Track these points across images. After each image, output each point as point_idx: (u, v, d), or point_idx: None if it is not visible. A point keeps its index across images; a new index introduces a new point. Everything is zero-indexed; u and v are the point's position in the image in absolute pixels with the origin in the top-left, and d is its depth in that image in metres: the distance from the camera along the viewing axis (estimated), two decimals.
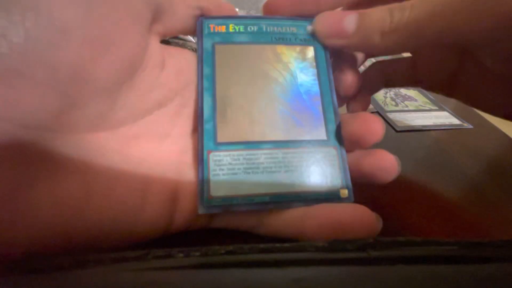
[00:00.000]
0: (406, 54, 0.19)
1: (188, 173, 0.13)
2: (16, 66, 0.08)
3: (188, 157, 0.14)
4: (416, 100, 0.31)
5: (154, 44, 0.13)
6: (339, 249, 0.08)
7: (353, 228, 0.12)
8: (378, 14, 0.13)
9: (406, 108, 0.30)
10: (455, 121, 0.28)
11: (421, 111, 0.29)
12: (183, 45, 0.29)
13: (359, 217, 0.12)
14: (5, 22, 0.08)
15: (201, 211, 0.12)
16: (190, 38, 0.35)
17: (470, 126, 0.27)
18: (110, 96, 0.11)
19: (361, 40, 0.14)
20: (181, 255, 0.08)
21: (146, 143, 0.13)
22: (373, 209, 0.14)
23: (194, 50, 0.15)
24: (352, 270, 0.08)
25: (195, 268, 0.08)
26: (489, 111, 0.17)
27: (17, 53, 0.08)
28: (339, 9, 0.16)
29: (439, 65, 0.17)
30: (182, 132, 0.14)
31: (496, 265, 0.08)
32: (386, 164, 0.13)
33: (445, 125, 0.27)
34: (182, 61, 0.14)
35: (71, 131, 0.10)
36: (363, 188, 0.14)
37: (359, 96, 0.18)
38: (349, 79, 0.15)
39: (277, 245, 0.09)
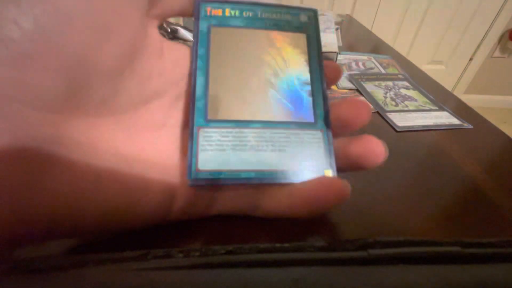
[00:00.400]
0: None
1: (184, 160, 0.14)
2: (27, 51, 0.09)
3: (183, 145, 0.14)
4: (416, 100, 0.31)
5: (153, 30, 0.13)
6: (339, 249, 0.08)
7: (327, 199, 0.13)
8: None
9: (406, 108, 0.30)
10: (455, 121, 0.28)
11: (421, 111, 0.29)
12: (183, 44, 0.29)
13: (330, 187, 0.13)
14: (16, 10, 0.09)
15: (189, 183, 0.13)
16: (190, 37, 0.35)
17: (470, 126, 0.27)
18: (113, 80, 0.12)
19: None
20: (180, 255, 0.08)
21: (145, 131, 0.14)
22: (373, 209, 0.14)
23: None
24: (352, 270, 0.08)
25: (194, 268, 0.08)
26: None
27: (28, 39, 0.09)
28: None
29: None
30: (177, 122, 0.15)
31: (496, 265, 0.08)
32: (373, 148, 0.13)
33: (445, 125, 0.27)
34: (179, 54, 0.15)
35: (79, 115, 0.11)
36: (363, 188, 0.14)
37: None
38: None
39: (277, 245, 0.09)
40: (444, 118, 0.28)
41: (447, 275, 0.07)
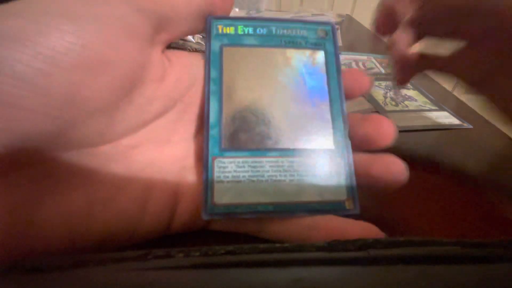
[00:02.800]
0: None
1: (188, 177, 0.13)
2: (8, 98, 0.08)
3: (189, 162, 0.14)
4: (416, 100, 0.31)
5: (155, 56, 0.12)
6: (339, 249, 0.08)
7: None
8: None
9: (406, 108, 0.30)
10: (455, 121, 0.28)
11: (421, 111, 0.29)
12: (183, 45, 0.29)
13: (368, 234, 0.12)
14: None
15: (205, 217, 0.12)
16: (190, 38, 0.35)
17: (470, 126, 0.27)
18: (108, 113, 0.11)
19: None
20: (181, 255, 0.08)
21: (147, 150, 0.13)
22: (373, 209, 0.14)
23: (194, 50, 0.15)
24: (352, 270, 0.08)
25: (195, 268, 0.08)
26: None
27: (8, 85, 0.08)
28: None
29: (478, 59, 0.17)
30: (182, 137, 0.14)
31: (496, 265, 0.08)
32: (395, 171, 0.13)
33: (445, 125, 0.27)
34: (183, 68, 0.14)
35: (72, 148, 0.11)
36: (363, 188, 0.14)
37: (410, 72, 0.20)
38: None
39: (277, 245, 0.09)
40: (444, 118, 0.28)
41: (448, 275, 0.07)
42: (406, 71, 0.20)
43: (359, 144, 0.14)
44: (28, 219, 0.10)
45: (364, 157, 0.14)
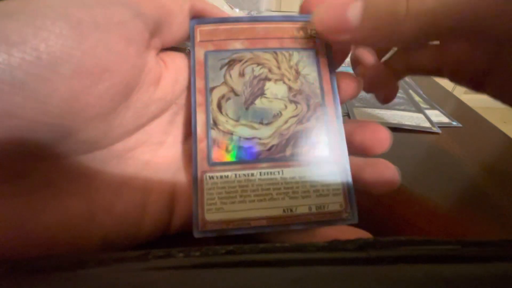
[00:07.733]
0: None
1: (183, 178, 0.14)
2: (6, 107, 0.08)
3: (183, 163, 0.14)
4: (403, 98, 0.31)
5: (151, 60, 0.12)
6: (339, 249, 0.08)
7: None
8: (388, 1, 0.11)
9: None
10: (444, 119, 0.28)
11: (403, 110, 0.29)
12: (183, 44, 0.29)
13: None
14: None
15: (196, 235, 0.12)
16: None
17: (459, 125, 0.27)
18: (106, 119, 0.11)
19: (369, 33, 0.12)
20: (181, 255, 0.08)
21: (141, 153, 0.13)
22: (373, 208, 0.14)
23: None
24: (352, 270, 0.08)
25: (195, 268, 0.08)
26: None
27: (6, 93, 0.08)
28: None
29: (469, 58, 0.15)
30: (176, 139, 0.14)
31: (496, 265, 0.08)
32: (388, 176, 0.13)
33: (434, 123, 0.27)
34: (177, 71, 0.14)
35: (70, 156, 0.11)
36: (358, 191, 0.14)
37: (386, 85, 0.18)
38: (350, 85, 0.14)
39: (277, 245, 0.09)
40: (434, 116, 0.29)
41: (447, 275, 0.07)
42: (382, 84, 0.18)
43: (355, 151, 0.14)
44: (27, 229, 0.10)
45: (356, 161, 0.14)
